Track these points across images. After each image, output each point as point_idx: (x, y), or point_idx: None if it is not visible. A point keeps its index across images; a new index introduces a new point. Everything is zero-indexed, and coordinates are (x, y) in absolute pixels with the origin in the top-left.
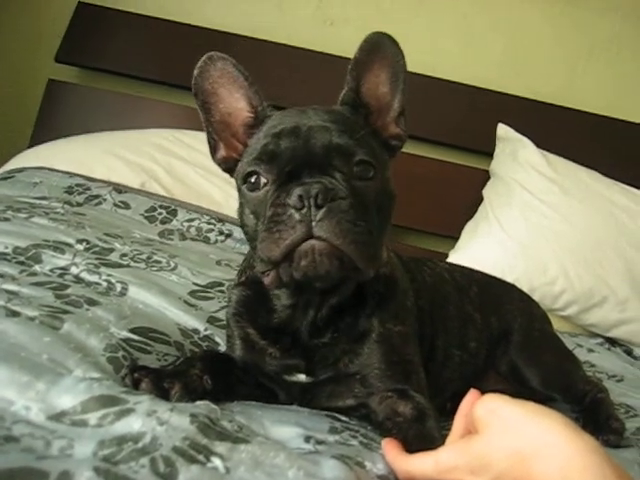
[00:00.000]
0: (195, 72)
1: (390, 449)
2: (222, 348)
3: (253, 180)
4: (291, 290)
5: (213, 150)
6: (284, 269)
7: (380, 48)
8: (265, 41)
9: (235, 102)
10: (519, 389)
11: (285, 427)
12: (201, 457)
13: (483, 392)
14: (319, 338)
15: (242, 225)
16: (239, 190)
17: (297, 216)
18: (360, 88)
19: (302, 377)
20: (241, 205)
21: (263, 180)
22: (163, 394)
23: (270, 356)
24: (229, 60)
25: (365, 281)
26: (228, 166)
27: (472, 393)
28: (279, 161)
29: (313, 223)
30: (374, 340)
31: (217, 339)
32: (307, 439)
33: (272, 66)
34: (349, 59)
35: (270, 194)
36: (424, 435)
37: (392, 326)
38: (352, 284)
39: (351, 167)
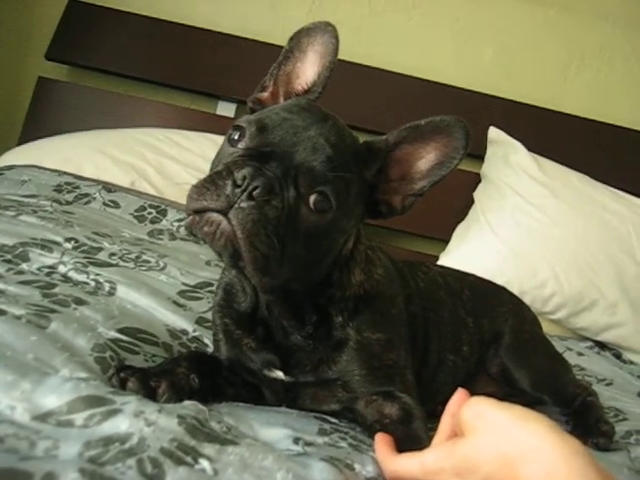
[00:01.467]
0: (307, 25)
1: (381, 447)
2: (210, 350)
3: (236, 136)
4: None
5: (260, 88)
6: (194, 222)
7: (451, 134)
8: (258, 42)
9: (310, 71)
10: (509, 391)
11: (274, 428)
12: (189, 459)
13: (473, 394)
14: (290, 338)
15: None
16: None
17: (229, 189)
18: (397, 149)
19: (280, 374)
20: (221, 144)
21: (241, 143)
22: (150, 393)
23: (247, 347)
24: (335, 39)
25: (330, 301)
26: (255, 108)
27: (460, 392)
28: (264, 138)
29: (235, 205)
30: (352, 348)
31: (206, 340)
32: (296, 440)
33: (264, 66)
34: (340, 60)
35: (233, 156)
36: (411, 436)
37: (370, 334)
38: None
39: (311, 192)
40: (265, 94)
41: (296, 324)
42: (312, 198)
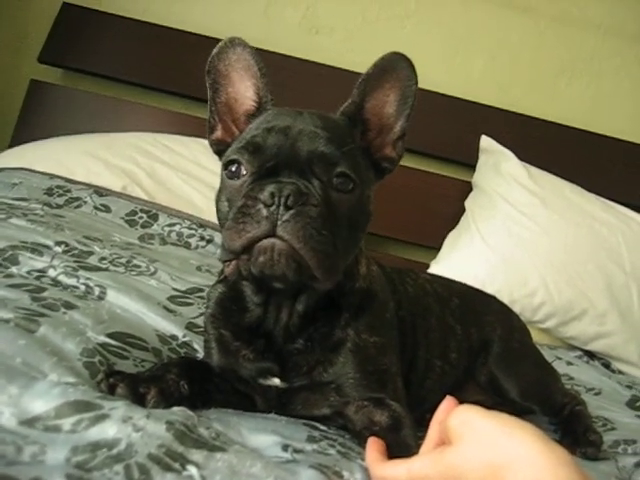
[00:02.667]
0: (214, 51)
1: (371, 452)
2: (200, 355)
3: (234, 169)
4: (255, 286)
5: (210, 130)
6: (243, 261)
7: (396, 68)
8: None
9: (244, 89)
10: (498, 400)
11: (263, 435)
12: (177, 465)
13: (462, 403)
14: (292, 343)
15: (217, 211)
16: (221, 175)
17: (264, 212)
18: (364, 104)
19: (277, 381)
20: (219, 191)
21: (243, 170)
22: (139, 399)
23: (244, 358)
24: (248, 48)
25: (339, 293)
26: (220, 149)
27: (448, 400)
28: (262, 155)
29: (278, 222)
30: (349, 350)
31: (195, 346)
32: (285, 447)
33: None
34: (333, 67)
35: (246, 185)
36: (399, 443)
37: (367, 337)
38: (316, 293)
39: (331, 177)
40: (218, 133)
41: (304, 324)
42: (335, 181)
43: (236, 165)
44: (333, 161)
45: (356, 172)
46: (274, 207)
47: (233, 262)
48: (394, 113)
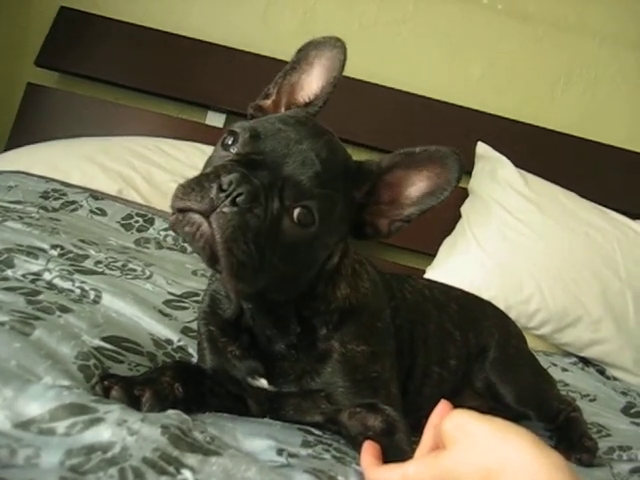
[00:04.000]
0: (318, 38)
1: (366, 456)
2: (195, 360)
3: (230, 141)
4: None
5: (264, 96)
6: (178, 220)
7: (445, 164)
8: (248, 53)
9: (315, 85)
10: (494, 406)
11: (257, 439)
12: (171, 469)
13: (457, 407)
14: (274, 346)
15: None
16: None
17: (213, 192)
18: (388, 175)
19: (264, 382)
20: (215, 146)
21: (233, 149)
22: (134, 402)
23: (231, 355)
24: (344, 56)
25: (313, 314)
26: (256, 114)
27: (442, 405)
28: (255, 147)
29: (217, 209)
30: (336, 360)
31: (190, 350)
32: (279, 452)
33: (254, 78)
34: None
35: (223, 159)
36: (393, 447)
37: (355, 346)
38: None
39: (294, 206)
40: (268, 102)
41: (279, 334)
42: (296, 211)
43: (232, 138)
44: (305, 194)
45: (323, 216)
46: (223, 194)
47: (175, 215)
48: (414, 199)
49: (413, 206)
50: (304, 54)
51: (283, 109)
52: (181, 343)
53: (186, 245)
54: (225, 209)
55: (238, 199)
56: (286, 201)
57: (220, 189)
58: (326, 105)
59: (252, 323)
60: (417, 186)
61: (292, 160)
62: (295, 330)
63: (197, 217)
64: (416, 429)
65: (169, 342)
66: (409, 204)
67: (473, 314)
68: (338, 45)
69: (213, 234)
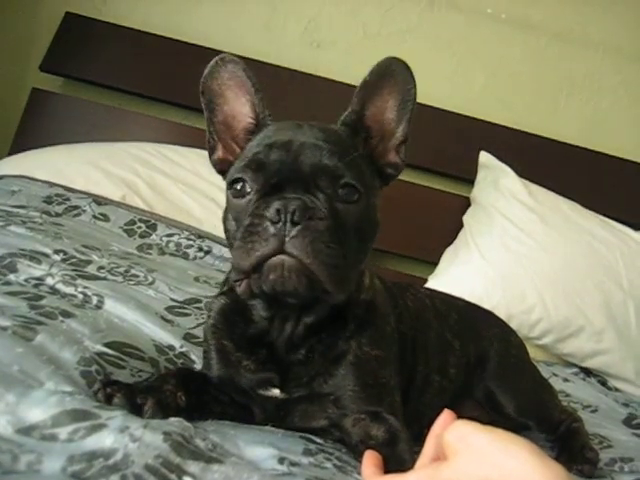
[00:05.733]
0: (205, 71)
1: (367, 466)
2: (197, 366)
3: (239, 187)
4: (266, 302)
5: (211, 150)
6: (254, 280)
7: (393, 73)
8: (252, 60)
9: (240, 106)
10: (494, 416)
11: (259, 447)
12: (173, 476)
13: (458, 417)
14: (294, 354)
15: (224, 230)
16: (226, 194)
17: (272, 229)
18: (364, 111)
19: (276, 392)
20: (225, 210)
21: (248, 188)
22: (136, 410)
23: (245, 369)
24: (240, 64)
25: (345, 304)
26: (223, 168)
27: (445, 414)
28: (265, 172)
29: (286, 239)
30: (350, 362)
31: (192, 356)
32: (281, 460)
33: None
34: (333, 81)
35: (252, 203)
36: (395, 458)
37: (369, 350)
38: (327, 305)
39: (336, 189)
40: (219, 152)
41: (308, 335)
42: (340, 192)
43: (241, 184)
44: (337, 173)
45: (361, 181)
46: (281, 224)
47: (244, 281)
48: (395, 118)
49: (399, 124)
50: (208, 91)
51: (236, 147)
52: (183, 349)
53: (188, 252)
54: (292, 233)
55: (295, 218)
56: (327, 190)
57: (273, 223)
58: (330, 112)
59: (277, 336)
60: (388, 106)
61: (303, 156)
62: (325, 328)
63: (275, 259)
64: (417, 438)
65: (171, 348)
66: (395, 125)
67: (473, 324)
68: (227, 60)
69: (300, 260)
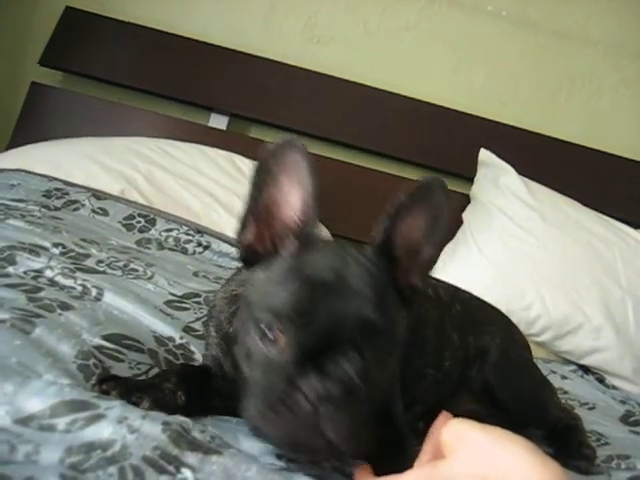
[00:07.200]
0: (270, 147)
1: (361, 469)
2: (197, 356)
3: (270, 335)
4: None
5: (241, 229)
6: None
7: (428, 192)
8: (251, 55)
9: (292, 198)
10: (492, 411)
11: (258, 442)
12: (171, 468)
13: (455, 412)
14: None
15: (240, 366)
16: (245, 330)
17: (308, 408)
18: (394, 231)
19: None
20: (242, 346)
21: (281, 339)
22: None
23: None
24: (307, 154)
25: None
26: (247, 254)
27: (443, 416)
28: (307, 328)
29: (321, 418)
30: None
31: (192, 348)
32: (279, 456)
33: (257, 81)
34: (333, 77)
35: (286, 364)
36: (393, 456)
37: None
38: None
39: (375, 351)
40: (249, 236)
41: None
42: (378, 355)
43: (272, 331)
44: (381, 333)
45: (397, 334)
46: (319, 407)
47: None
48: (422, 238)
49: (426, 245)
50: (266, 169)
51: (268, 238)
52: (183, 341)
53: (187, 246)
54: (328, 414)
55: (335, 400)
56: (365, 352)
57: (312, 404)
58: (329, 109)
59: None
60: (419, 226)
61: (350, 307)
62: None
63: (311, 442)
64: (413, 432)
65: (171, 339)
66: (422, 245)
67: (476, 317)
68: (295, 146)
69: (333, 442)
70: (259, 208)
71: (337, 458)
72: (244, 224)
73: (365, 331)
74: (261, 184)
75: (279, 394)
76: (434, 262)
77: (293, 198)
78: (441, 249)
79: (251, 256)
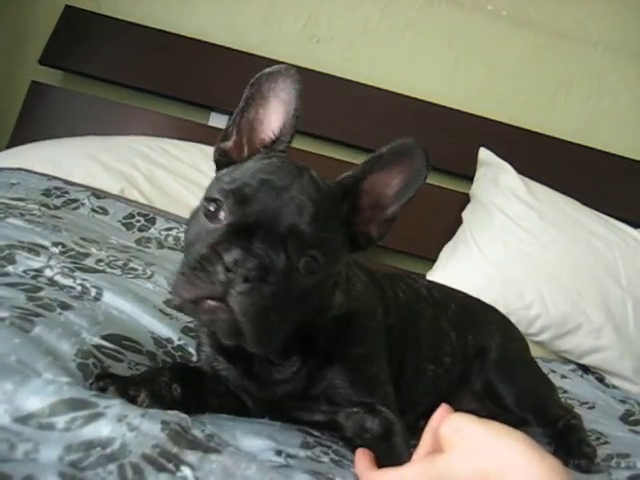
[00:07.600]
0: (267, 70)
1: (361, 461)
2: (195, 359)
3: (213, 209)
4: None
5: (223, 137)
6: (189, 307)
7: (411, 155)
8: (251, 54)
9: (274, 119)
10: (493, 409)
11: (257, 439)
12: (170, 466)
13: (456, 410)
14: (269, 374)
15: (185, 231)
16: (200, 204)
17: (222, 276)
18: (365, 178)
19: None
20: (192, 217)
21: (221, 214)
22: (129, 402)
23: (223, 374)
24: (299, 84)
25: (312, 325)
26: (222, 159)
27: (442, 408)
28: (245, 209)
29: (232, 290)
30: (334, 365)
31: (190, 349)
32: (278, 453)
33: None
34: (333, 76)
35: (217, 234)
36: (391, 451)
37: (351, 350)
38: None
39: (301, 256)
40: (229, 143)
41: (282, 360)
42: (303, 262)
43: (216, 207)
44: (309, 243)
45: (328, 256)
46: (232, 274)
47: (180, 299)
48: (393, 196)
49: (394, 203)
50: (257, 88)
51: (246, 149)
52: (181, 342)
53: None
54: (239, 288)
55: (249, 275)
56: (291, 255)
57: (227, 269)
58: (328, 107)
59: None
60: (392, 184)
61: (287, 211)
62: (296, 362)
63: (213, 304)
64: (414, 427)
65: (169, 341)
66: (389, 203)
67: (474, 316)
68: (291, 74)
69: (235, 316)
70: (244, 121)
71: (232, 334)
72: (226, 135)
73: (296, 237)
74: (251, 101)
75: (201, 257)
76: (394, 220)
77: (276, 119)
78: (403, 209)
79: (225, 161)
